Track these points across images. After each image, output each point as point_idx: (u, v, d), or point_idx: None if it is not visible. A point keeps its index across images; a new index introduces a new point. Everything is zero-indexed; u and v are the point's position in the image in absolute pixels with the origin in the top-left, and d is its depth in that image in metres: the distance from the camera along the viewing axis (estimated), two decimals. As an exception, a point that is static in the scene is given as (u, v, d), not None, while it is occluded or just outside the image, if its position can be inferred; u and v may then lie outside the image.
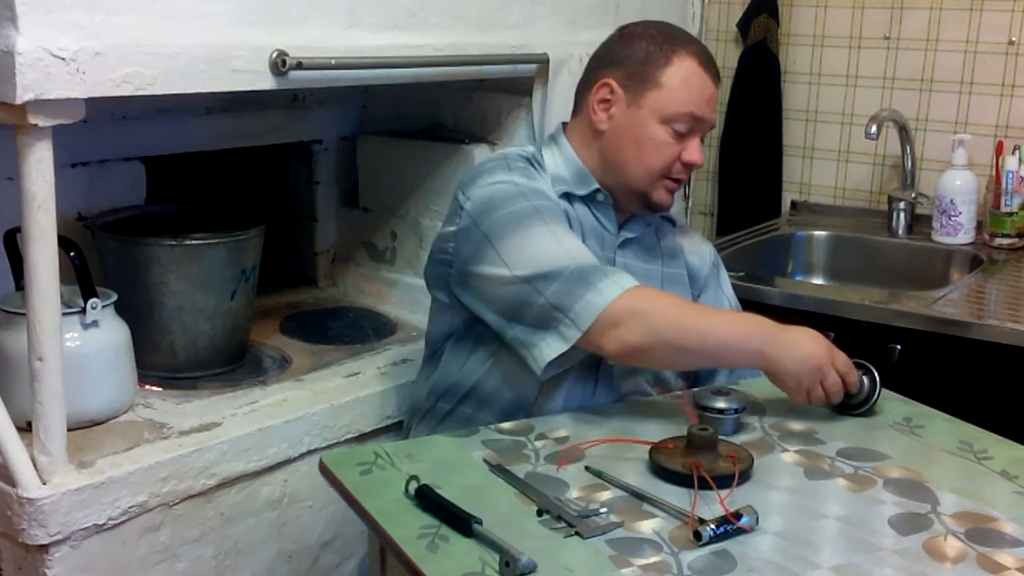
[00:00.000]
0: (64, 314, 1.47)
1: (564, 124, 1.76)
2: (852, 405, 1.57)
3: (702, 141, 1.67)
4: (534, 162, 1.67)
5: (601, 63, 1.69)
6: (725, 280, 1.86)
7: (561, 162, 1.69)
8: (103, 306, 1.61)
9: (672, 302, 1.54)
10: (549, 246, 1.52)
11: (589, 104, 1.67)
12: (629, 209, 1.71)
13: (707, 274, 1.82)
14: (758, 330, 1.51)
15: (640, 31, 1.67)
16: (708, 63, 1.65)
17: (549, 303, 1.49)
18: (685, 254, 1.81)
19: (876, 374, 1.57)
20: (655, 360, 1.57)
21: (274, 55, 1.57)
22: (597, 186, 1.67)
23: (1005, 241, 2.52)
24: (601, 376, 1.65)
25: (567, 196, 1.67)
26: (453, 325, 1.67)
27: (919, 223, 2.65)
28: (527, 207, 1.56)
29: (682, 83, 1.61)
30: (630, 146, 1.64)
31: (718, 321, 1.55)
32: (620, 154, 1.65)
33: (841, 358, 1.52)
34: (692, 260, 1.81)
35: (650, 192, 1.65)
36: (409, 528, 1.24)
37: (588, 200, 1.68)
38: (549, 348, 1.50)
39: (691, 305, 1.61)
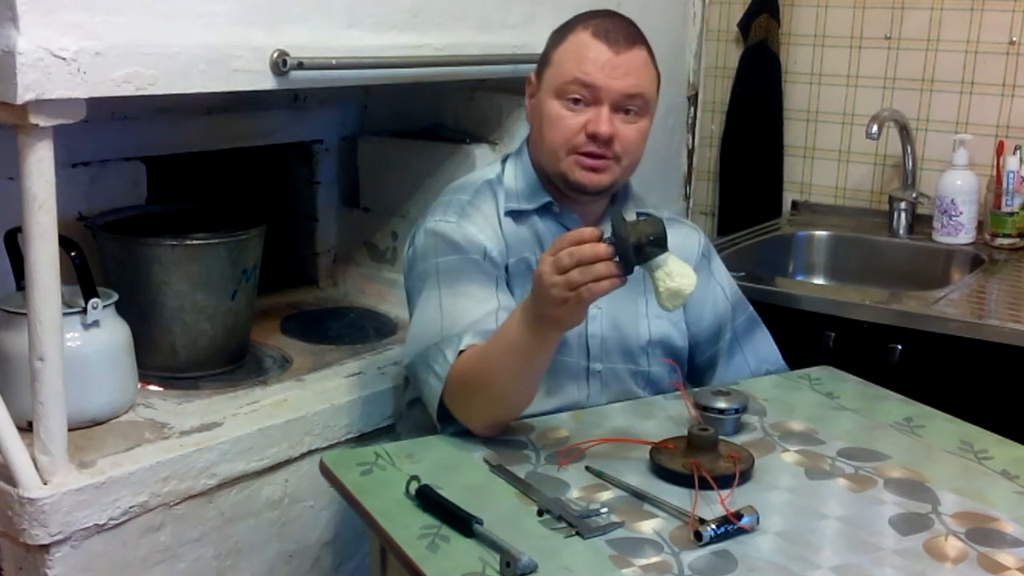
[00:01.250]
0: (65, 314, 1.47)
1: None
2: (628, 262, 1.29)
3: (629, 113, 1.58)
4: (494, 184, 1.67)
5: None
6: (718, 269, 1.81)
7: (520, 174, 1.68)
8: (104, 306, 1.61)
9: (468, 365, 1.45)
10: (432, 315, 1.54)
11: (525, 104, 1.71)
12: (571, 195, 1.64)
13: (695, 265, 1.71)
14: (509, 325, 1.41)
15: (563, 22, 1.66)
16: (606, 32, 1.57)
17: (416, 386, 1.57)
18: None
19: (619, 220, 1.30)
20: (499, 413, 1.49)
21: (275, 55, 1.57)
22: (548, 199, 1.65)
23: (1006, 241, 2.51)
24: (591, 382, 1.65)
25: (520, 212, 1.65)
26: None
27: (920, 223, 2.65)
28: (431, 267, 1.59)
29: (570, 54, 1.58)
30: (536, 129, 1.64)
31: (501, 354, 1.42)
32: (534, 141, 1.66)
33: (556, 249, 1.30)
34: (677, 254, 1.75)
35: (565, 172, 1.60)
36: (409, 528, 1.24)
37: (547, 210, 1.66)
38: (439, 423, 1.54)
39: (478, 356, 1.45)
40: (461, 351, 1.47)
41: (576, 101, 1.57)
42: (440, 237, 1.60)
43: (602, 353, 1.65)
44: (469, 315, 1.52)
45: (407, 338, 1.60)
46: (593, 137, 1.56)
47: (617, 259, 1.28)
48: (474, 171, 1.77)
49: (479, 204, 1.64)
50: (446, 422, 1.52)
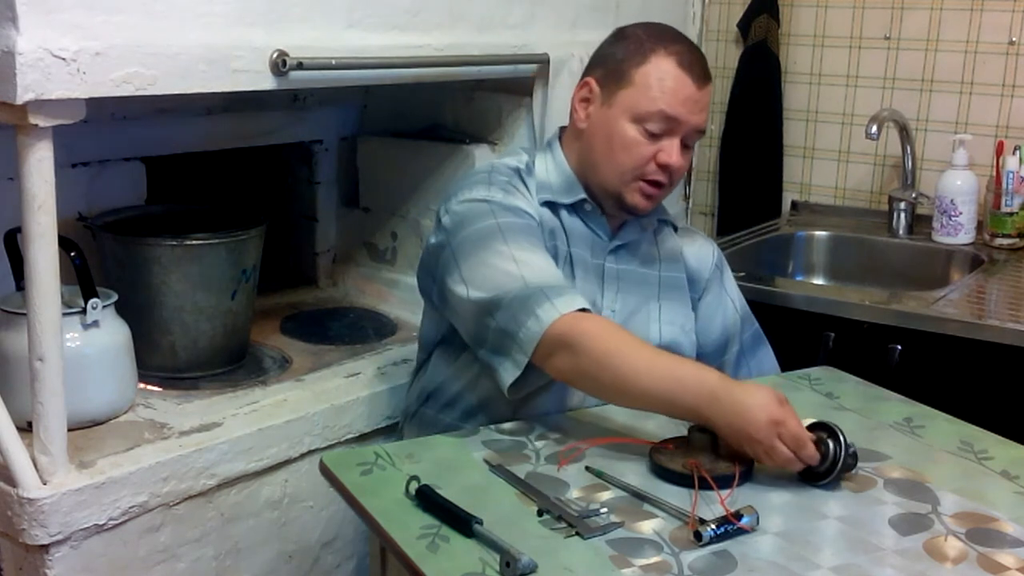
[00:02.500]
0: (64, 314, 1.47)
1: (562, 128, 1.75)
2: (814, 475, 1.36)
3: (687, 146, 1.62)
4: (523, 172, 1.66)
5: (590, 63, 1.69)
6: (729, 281, 1.83)
7: (552, 168, 1.68)
8: (103, 306, 1.61)
9: (607, 337, 1.43)
10: (504, 267, 1.50)
11: (573, 104, 1.67)
12: (611, 211, 1.67)
13: (709, 276, 1.79)
14: (698, 386, 1.38)
15: (631, 31, 1.65)
16: (690, 64, 1.59)
17: (499, 328, 1.48)
18: (685, 258, 1.77)
19: (842, 441, 1.35)
20: (590, 392, 1.51)
21: (274, 55, 1.57)
22: (583, 196, 1.65)
23: (1005, 241, 2.52)
24: None
25: (552, 204, 1.65)
26: (441, 331, 1.66)
27: (919, 223, 2.65)
28: (491, 225, 1.54)
29: (655, 81, 1.57)
30: (601, 145, 1.62)
31: (654, 366, 1.42)
32: (593, 153, 1.64)
33: (790, 431, 1.33)
34: (692, 263, 1.78)
35: (624, 193, 1.61)
36: (409, 528, 1.24)
37: (577, 208, 1.67)
38: (507, 373, 1.48)
39: (629, 345, 1.44)
40: (579, 310, 1.45)
41: (654, 131, 1.58)
42: (493, 203, 1.57)
43: None
44: (552, 272, 1.51)
45: (469, 296, 1.51)
46: (665, 168, 1.59)
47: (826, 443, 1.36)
48: (498, 158, 1.75)
49: (517, 185, 1.63)
50: (524, 376, 1.48)
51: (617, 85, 1.60)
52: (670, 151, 1.58)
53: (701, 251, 1.80)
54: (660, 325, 1.70)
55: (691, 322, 1.75)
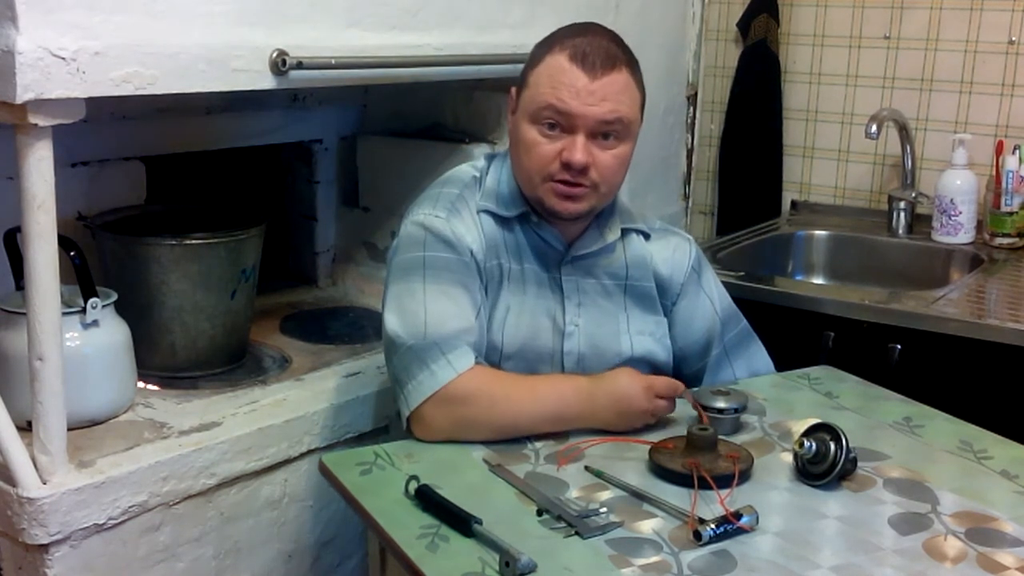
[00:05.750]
0: (64, 314, 1.47)
1: None
2: (813, 475, 1.39)
3: (608, 141, 1.54)
4: (479, 180, 1.65)
5: None
6: (708, 281, 1.76)
7: (504, 179, 1.65)
8: (103, 306, 1.61)
9: (492, 385, 1.50)
10: (414, 308, 1.53)
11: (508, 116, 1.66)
12: (551, 219, 1.63)
13: (684, 281, 1.72)
14: (577, 394, 1.52)
15: (547, 35, 1.61)
16: (584, 55, 1.51)
17: (394, 371, 1.55)
18: (655, 265, 1.71)
19: (843, 443, 1.37)
20: (483, 436, 1.51)
21: (274, 55, 1.57)
22: (526, 209, 1.62)
23: (1005, 241, 2.52)
24: None
25: (497, 216, 1.63)
26: None
27: (919, 223, 2.65)
28: (418, 259, 1.56)
29: (545, 78, 1.53)
30: (514, 151, 1.60)
31: (537, 393, 1.52)
32: (512, 161, 1.63)
33: (660, 386, 1.54)
34: (662, 271, 1.71)
35: (542, 197, 1.57)
36: (409, 528, 1.24)
37: (525, 220, 1.63)
38: (401, 411, 1.53)
39: (510, 387, 1.52)
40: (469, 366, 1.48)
41: (552, 127, 1.53)
42: (430, 231, 1.58)
43: (578, 370, 1.63)
44: (457, 321, 1.52)
45: (385, 322, 1.56)
46: (568, 166, 1.53)
47: (815, 461, 1.39)
48: (460, 165, 1.74)
49: (467, 199, 1.63)
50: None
51: (521, 90, 1.59)
52: (571, 148, 1.52)
53: (675, 255, 1.73)
54: (631, 337, 1.67)
55: (663, 329, 1.71)
